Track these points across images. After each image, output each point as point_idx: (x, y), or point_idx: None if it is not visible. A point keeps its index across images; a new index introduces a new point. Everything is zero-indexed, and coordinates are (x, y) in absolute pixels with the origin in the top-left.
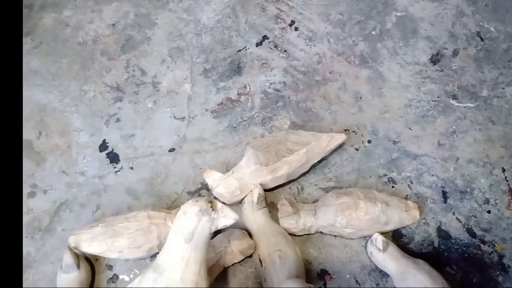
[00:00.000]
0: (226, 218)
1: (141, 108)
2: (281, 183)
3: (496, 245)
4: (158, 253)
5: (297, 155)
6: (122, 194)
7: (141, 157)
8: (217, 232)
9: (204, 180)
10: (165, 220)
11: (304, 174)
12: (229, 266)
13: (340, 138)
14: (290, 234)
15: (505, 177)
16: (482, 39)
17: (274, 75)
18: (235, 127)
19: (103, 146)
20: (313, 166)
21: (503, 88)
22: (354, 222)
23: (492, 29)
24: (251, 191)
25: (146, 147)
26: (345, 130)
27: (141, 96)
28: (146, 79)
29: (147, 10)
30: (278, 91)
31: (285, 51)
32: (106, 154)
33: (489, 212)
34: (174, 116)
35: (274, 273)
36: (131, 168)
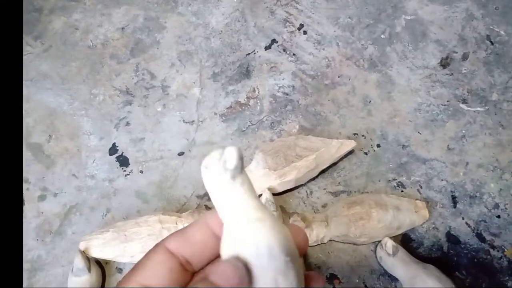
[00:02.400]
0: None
1: (151, 111)
2: (289, 187)
3: (506, 250)
4: None
5: (306, 161)
6: (131, 198)
7: (151, 160)
8: None
9: None
10: (176, 224)
11: (313, 178)
12: None
13: (349, 145)
14: None
15: None
16: (492, 43)
17: (283, 79)
18: (244, 130)
19: (113, 150)
20: (322, 171)
21: None
22: (367, 231)
23: (502, 32)
24: (260, 195)
25: (156, 151)
26: (354, 134)
27: (151, 100)
28: (155, 83)
29: (156, 13)
30: (287, 95)
31: (294, 54)
32: (116, 157)
33: (498, 217)
34: (183, 120)
35: None
36: (141, 171)
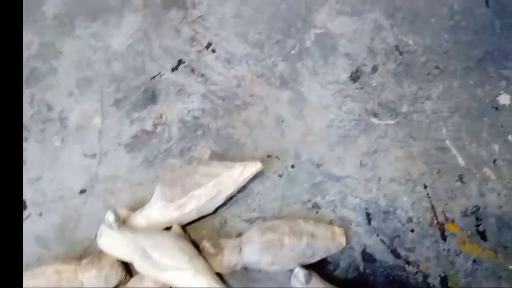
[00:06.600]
0: None
1: (48, 147)
2: (193, 219)
3: (421, 264)
4: None
5: (205, 189)
6: (31, 244)
7: (50, 201)
8: None
9: None
10: (76, 273)
11: (225, 205)
12: None
13: (254, 167)
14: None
15: (427, 193)
16: (400, 53)
17: (192, 102)
18: (151, 161)
19: None
20: (234, 196)
21: (423, 103)
22: (279, 259)
23: (410, 42)
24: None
25: (55, 190)
26: (268, 156)
27: (48, 134)
28: (52, 115)
29: (52, 38)
30: (197, 118)
31: (202, 75)
32: None
33: (412, 231)
34: (84, 154)
35: None
36: (40, 214)
